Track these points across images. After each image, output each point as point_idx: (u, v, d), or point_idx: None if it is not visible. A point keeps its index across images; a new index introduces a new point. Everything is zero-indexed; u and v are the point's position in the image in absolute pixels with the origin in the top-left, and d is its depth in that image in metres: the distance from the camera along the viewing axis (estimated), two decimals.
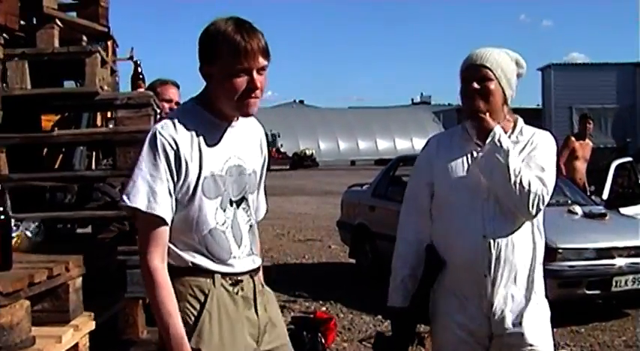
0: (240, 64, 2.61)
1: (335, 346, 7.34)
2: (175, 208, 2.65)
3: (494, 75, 3.18)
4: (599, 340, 7.58)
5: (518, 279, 3.21)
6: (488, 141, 3.15)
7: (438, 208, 3.30)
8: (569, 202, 9.31)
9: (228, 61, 2.62)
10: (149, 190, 2.59)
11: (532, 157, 3.22)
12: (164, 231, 2.63)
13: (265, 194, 3.12)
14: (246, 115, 2.76)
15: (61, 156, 5.38)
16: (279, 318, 2.99)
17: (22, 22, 4.41)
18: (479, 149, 3.21)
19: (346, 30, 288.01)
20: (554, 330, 7.43)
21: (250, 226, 2.86)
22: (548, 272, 7.33)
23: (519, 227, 3.20)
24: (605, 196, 10.23)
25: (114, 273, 3.83)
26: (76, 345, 3.03)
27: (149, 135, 2.67)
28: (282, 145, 60.41)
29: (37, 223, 3.54)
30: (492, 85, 3.18)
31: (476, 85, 3.17)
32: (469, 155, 3.25)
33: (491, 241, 3.15)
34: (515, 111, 3.40)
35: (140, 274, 3.66)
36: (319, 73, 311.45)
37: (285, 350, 2.94)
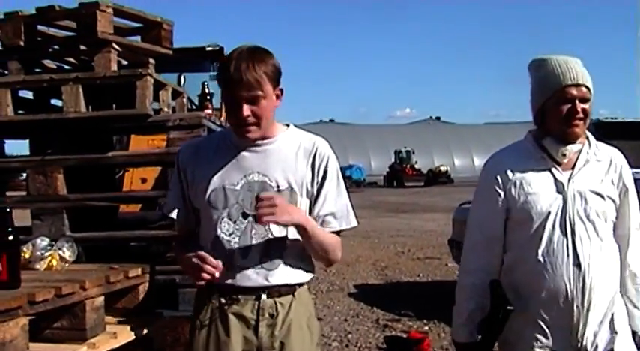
0: (227, 93, 2.77)
1: None
2: (199, 216, 2.97)
3: (590, 95, 2.99)
4: None
5: (608, 308, 3.00)
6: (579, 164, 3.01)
7: (519, 233, 3.05)
8: None
9: (223, 89, 2.79)
10: (169, 197, 3.09)
11: (622, 181, 3.07)
12: (178, 226, 3.09)
13: (353, 209, 3.04)
14: (246, 139, 2.85)
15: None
16: (299, 348, 2.90)
17: (82, 48, 4.56)
18: (559, 168, 3.02)
19: (485, 46, 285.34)
20: None
21: (268, 241, 2.85)
22: None
23: (612, 253, 3.01)
24: None
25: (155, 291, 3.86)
26: None
27: None
28: (416, 162, 60.30)
29: (70, 243, 3.63)
30: (588, 106, 2.99)
31: (579, 106, 2.96)
32: (549, 175, 3.03)
33: (586, 269, 2.93)
34: None
35: (191, 293, 3.74)
36: (456, 89, 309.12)
37: None
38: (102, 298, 3.24)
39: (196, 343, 2.89)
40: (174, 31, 4.97)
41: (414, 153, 60.77)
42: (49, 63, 5.01)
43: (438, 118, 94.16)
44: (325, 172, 2.92)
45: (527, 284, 3.02)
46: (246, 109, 2.73)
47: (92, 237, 4.14)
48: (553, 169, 3.01)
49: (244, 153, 2.87)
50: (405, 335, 7.73)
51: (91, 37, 4.30)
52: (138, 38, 4.91)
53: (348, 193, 3.03)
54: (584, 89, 2.94)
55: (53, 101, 4.95)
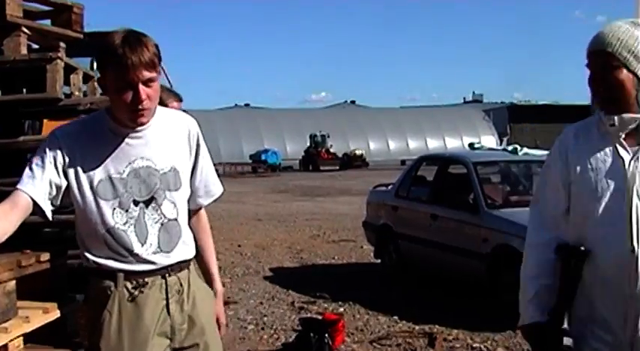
0: (123, 78, 2.66)
1: (344, 348, 7.30)
2: (79, 208, 2.82)
3: (621, 60, 2.62)
4: None
5: None
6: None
7: (576, 213, 2.79)
8: None
9: (114, 76, 2.68)
10: (29, 174, 2.75)
11: None
12: (21, 198, 2.72)
13: (219, 176, 3.22)
14: (138, 124, 2.81)
15: None
16: (205, 317, 3.01)
17: None
18: (625, 144, 2.70)
19: (401, 30, 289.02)
20: None
21: (162, 224, 2.88)
22: None
23: None
24: None
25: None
26: (5, 346, 3.07)
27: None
28: (331, 146, 60.64)
29: None
30: (620, 74, 2.63)
31: (600, 74, 2.67)
32: (611, 151, 2.72)
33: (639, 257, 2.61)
34: None
35: None
36: (373, 73, 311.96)
37: (200, 349, 2.98)
38: (13, 282, 3.22)
39: (107, 334, 2.83)
40: (84, 14, 4.92)
41: (329, 137, 61.02)
42: None
43: (353, 102, 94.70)
44: (198, 146, 3.02)
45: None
46: (143, 93, 2.68)
47: None
48: (618, 145, 2.71)
49: (127, 139, 2.83)
50: (320, 317, 7.84)
51: (0, 20, 4.23)
52: (48, 22, 4.85)
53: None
54: (605, 54, 2.64)
55: None
